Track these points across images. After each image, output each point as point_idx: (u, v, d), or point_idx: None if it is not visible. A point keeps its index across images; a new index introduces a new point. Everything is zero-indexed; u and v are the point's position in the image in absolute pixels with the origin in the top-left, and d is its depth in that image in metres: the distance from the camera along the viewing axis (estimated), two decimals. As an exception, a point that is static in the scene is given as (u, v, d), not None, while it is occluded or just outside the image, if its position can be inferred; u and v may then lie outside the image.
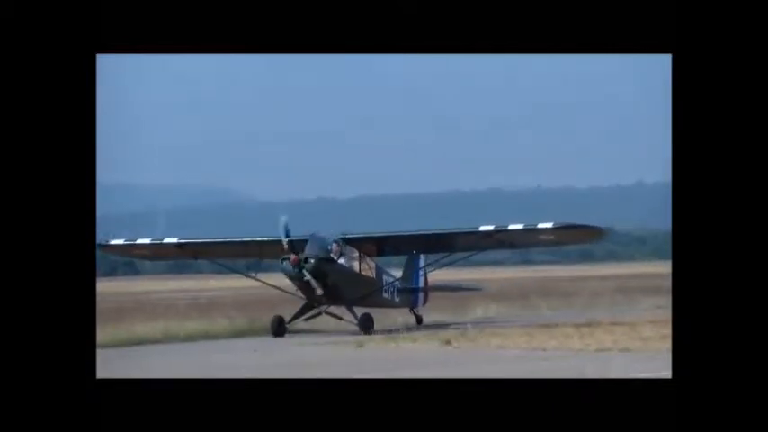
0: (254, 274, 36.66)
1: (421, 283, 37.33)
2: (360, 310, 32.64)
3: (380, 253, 36.59)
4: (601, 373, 17.14)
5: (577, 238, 37.72)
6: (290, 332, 32.13)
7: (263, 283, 35.61)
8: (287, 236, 31.93)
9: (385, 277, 35.58)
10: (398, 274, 36.76)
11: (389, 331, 32.15)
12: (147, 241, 37.82)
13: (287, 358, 25.49)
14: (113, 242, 38.34)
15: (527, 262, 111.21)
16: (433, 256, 36.51)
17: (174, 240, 37.17)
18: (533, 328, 30.07)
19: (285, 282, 33.92)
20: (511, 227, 33.64)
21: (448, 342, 26.47)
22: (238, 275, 38.82)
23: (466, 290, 41.31)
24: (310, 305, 32.90)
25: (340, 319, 33.16)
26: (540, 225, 32.97)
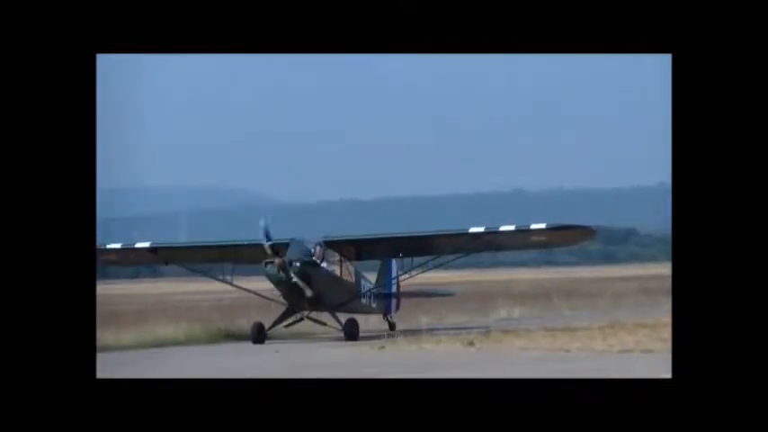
0: (229, 278, 35.08)
1: (394, 289, 36.52)
2: (342, 316, 31.69)
3: (366, 256, 36.04)
4: (624, 374, 16.79)
5: (569, 239, 36.57)
6: (270, 339, 31.02)
7: (238, 287, 34.86)
8: (268, 240, 30.77)
9: (363, 282, 34.81)
10: (372, 279, 36.07)
11: (414, 332, 31.92)
12: (117, 246, 35.79)
13: (308, 360, 25.75)
14: None
15: (549, 263, 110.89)
16: (419, 259, 34.94)
17: (147, 245, 35.73)
18: (556, 329, 29.74)
19: (260, 286, 33.51)
20: (502, 228, 32.90)
21: (471, 343, 26.46)
22: (211, 280, 37.42)
23: (440, 295, 40.45)
24: (291, 311, 31.87)
25: (323, 324, 32.34)
26: (534, 226, 32.22)
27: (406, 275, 35.62)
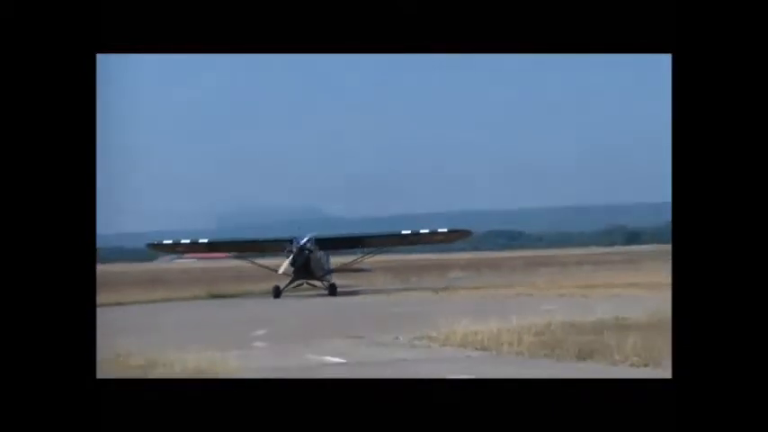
0: (252, 260, 61.32)
1: (331, 266, 59.20)
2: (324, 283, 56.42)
3: (336, 248, 59.24)
4: (517, 305, 35.50)
5: (456, 238, 62.90)
6: (285, 295, 53.01)
7: (258, 265, 59.88)
8: (297, 237, 53.79)
9: (326, 263, 57.64)
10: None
11: (408, 288, 58.40)
12: (187, 241, 59.25)
13: (347, 301, 47.66)
14: (165, 242, 60.57)
15: (477, 249, 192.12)
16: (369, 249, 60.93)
17: (206, 240, 60.57)
18: (483, 285, 57.69)
19: (265, 263, 59.53)
20: (421, 231, 57.34)
21: (436, 292, 51.71)
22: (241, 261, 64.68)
23: (359, 270, 62.33)
24: (296, 278, 54.21)
25: (315, 287, 54.63)
26: (440, 230, 57.78)
27: (363, 258, 60.60)
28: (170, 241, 59.69)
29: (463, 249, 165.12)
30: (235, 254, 64.27)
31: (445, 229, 57.89)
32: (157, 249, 65.46)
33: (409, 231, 57.32)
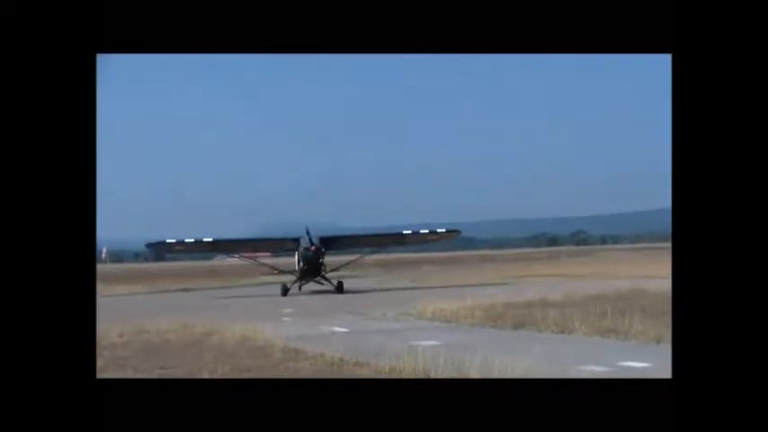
0: (256, 261, 66.15)
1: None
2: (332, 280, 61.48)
3: (340, 247, 63.84)
4: (470, 290, 45.49)
5: (449, 236, 67.25)
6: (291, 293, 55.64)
7: (259, 263, 66.85)
8: (308, 235, 56.49)
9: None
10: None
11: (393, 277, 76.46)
12: (191, 240, 60.46)
13: (346, 289, 57.08)
14: (168, 240, 60.98)
15: (444, 250, 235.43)
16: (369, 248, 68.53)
17: (210, 239, 61.29)
18: (446, 275, 79.26)
19: (269, 261, 72.14)
20: (421, 231, 62.96)
21: (413, 280, 70.96)
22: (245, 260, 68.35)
23: (337, 270, 65.26)
24: (302, 277, 57.55)
25: (322, 284, 57.99)
26: (438, 230, 63.95)
27: (359, 256, 69.06)
28: (173, 240, 61.49)
29: (433, 250, 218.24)
30: (270, 253, 74.04)
31: (443, 229, 64.43)
32: (161, 248, 66.88)
33: (410, 231, 62.33)
